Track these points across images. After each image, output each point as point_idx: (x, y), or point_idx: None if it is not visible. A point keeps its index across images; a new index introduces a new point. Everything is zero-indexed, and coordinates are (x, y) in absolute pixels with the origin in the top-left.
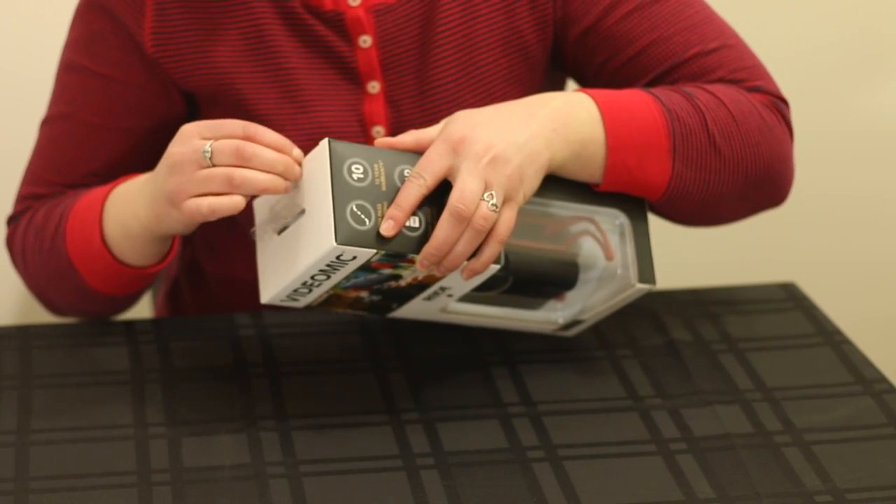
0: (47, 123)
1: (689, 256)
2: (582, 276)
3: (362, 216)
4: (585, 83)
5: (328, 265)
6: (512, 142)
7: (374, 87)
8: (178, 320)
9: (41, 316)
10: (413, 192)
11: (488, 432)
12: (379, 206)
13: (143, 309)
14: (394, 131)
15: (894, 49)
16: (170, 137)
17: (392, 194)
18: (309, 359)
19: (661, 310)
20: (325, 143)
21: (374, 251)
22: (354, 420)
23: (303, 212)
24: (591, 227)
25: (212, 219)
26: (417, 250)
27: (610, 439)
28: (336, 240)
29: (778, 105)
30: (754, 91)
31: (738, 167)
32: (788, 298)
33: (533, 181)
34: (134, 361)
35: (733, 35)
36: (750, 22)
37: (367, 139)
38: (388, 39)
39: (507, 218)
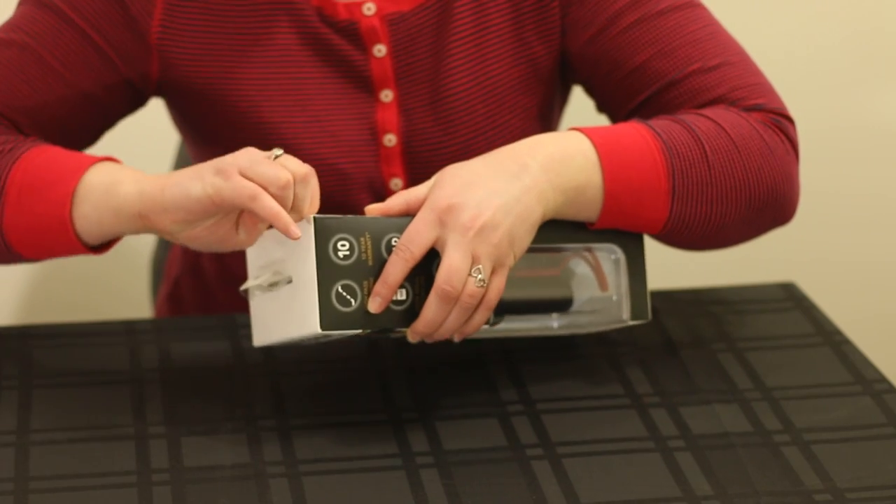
0: None
1: (689, 256)
2: (575, 300)
3: (348, 297)
4: (593, 92)
5: (315, 338)
6: (501, 205)
7: (387, 95)
8: (178, 320)
9: (41, 316)
10: (399, 266)
11: (488, 431)
12: (365, 283)
13: (143, 309)
14: (406, 140)
15: (894, 50)
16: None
17: (378, 268)
18: (309, 359)
19: (661, 309)
20: (310, 220)
21: (360, 331)
22: (354, 420)
23: (290, 279)
24: (586, 254)
25: (248, 206)
26: (404, 323)
27: (608, 437)
28: (321, 326)
29: (780, 123)
30: (755, 109)
31: (741, 195)
32: (788, 298)
33: (524, 240)
34: (134, 361)
35: (738, 52)
36: (750, 22)
37: (379, 147)
38: (402, 49)
39: (496, 286)
